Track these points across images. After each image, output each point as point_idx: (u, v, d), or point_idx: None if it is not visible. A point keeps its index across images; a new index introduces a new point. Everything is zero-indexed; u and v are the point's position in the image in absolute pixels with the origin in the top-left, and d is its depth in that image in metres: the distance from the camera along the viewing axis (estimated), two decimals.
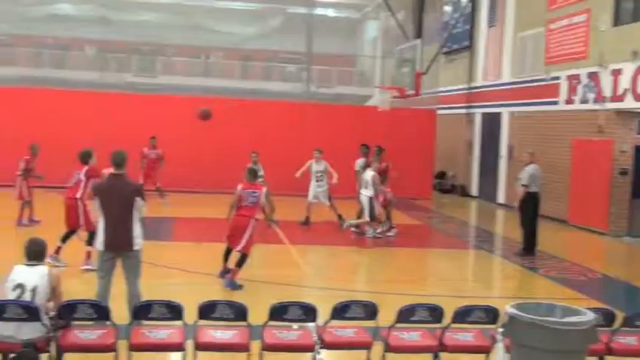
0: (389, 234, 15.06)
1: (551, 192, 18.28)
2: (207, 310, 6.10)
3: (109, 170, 10.56)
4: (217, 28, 30.51)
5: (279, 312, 6.16)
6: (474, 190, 24.80)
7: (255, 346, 6.14)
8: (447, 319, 6.36)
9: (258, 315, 6.22)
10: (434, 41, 24.75)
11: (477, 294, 10.59)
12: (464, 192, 25.14)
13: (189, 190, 20.62)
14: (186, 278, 10.60)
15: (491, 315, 6.38)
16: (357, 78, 35.81)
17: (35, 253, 6.26)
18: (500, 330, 5.49)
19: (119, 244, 7.40)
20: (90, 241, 10.77)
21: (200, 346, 6.07)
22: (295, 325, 6.63)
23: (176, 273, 10.90)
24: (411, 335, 6.43)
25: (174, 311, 6.07)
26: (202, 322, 6.14)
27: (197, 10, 30.78)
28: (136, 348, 6.02)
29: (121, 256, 7.46)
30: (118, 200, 7.40)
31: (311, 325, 6.38)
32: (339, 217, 15.90)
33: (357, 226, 14.74)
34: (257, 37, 31.81)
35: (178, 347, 6.07)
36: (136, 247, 7.46)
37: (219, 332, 6.24)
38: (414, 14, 20.87)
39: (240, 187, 10.16)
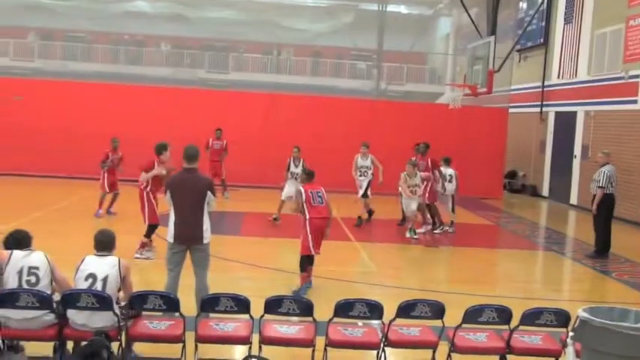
0: (447, 229, 15.33)
1: (626, 193, 17.74)
2: (273, 305, 6.14)
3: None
4: (288, 25, 30.65)
5: (344, 309, 6.15)
6: (545, 190, 24.27)
7: (320, 342, 6.16)
8: (514, 320, 6.24)
9: (323, 311, 6.23)
10: (507, 38, 24.31)
11: (546, 296, 10.36)
12: (534, 192, 24.64)
13: (260, 186, 20.82)
14: (252, 272, 10.71)
15: (561, 318, 6.23)
16: (428, 75, 35.48)
17: (105, 244, 6.42)
18: (571, 334, 5.34)
19: (189, 237, 7.52)
20: (148, 233, 11.12)
21: (265, 340, 6.12)
22: (360, 322, 6.62)
23: (243, 267, 11.03)
24: (478, 336, 6.34)
25: (241, 305, 6.14)
26: (268, 316, 6.19)
27: (269, 6, 30.97)
28: (203, 339, 6.12)
29: (190, 249, 7.59)
30: (189, 194, 7.52)
31: (376, 322, 6.35)
32: (359, 217, 15.81)
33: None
34: (328, 33, 31.80)
35: (245, 340, 6.14)
36: (205, 241, 7.57)
37: (285, 327, 6.28)
38: (488, 11, 20.51)
39: (302, 189, 9.74)
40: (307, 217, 9.53)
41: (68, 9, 30.11)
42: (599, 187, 13.01)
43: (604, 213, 13.18)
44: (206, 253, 7.69)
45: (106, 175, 15.07)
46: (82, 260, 6.31)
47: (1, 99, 21.82)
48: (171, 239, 7.59)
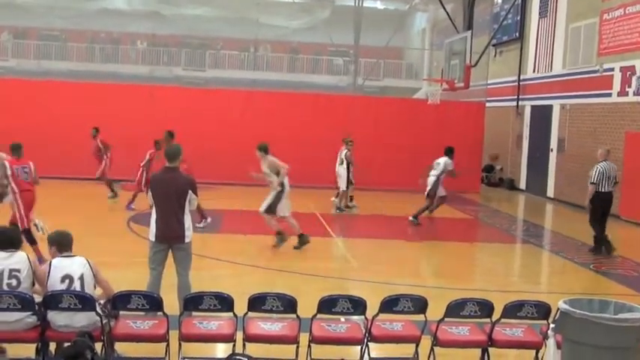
0: None
1: None
2: (256, 303, 6.14)
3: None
4: (265, 21, 30.60)
5: (328, 305, 6.17)
6: (522, 183, 24.49)
7: (304, 338, 6.18)
8: (496, 313, 6.31)
9: (306, 308, 6.24)
10: (483, 33, 24.46)
11: (527, 289, 10.46)
12: (512, 185, 24.85)
13: (237, 183, 20.77)
14: (234, 270, 10.70)
15: (542, 310, 6.30)
16: (405, 70, 35.62)
17: (67, 244, 6.35)
18: (552, 326, 5.41)
19: (171, 236, 7.51)
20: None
21: (249, 338, 6.12)
22: (343, 318, 6.65)
23: (224, 264, 11.02)
24: (460, 330, 6.39)
25: (224, 303, 6.13)
26: (252, 314, 6.20)
27: (245, 3, 30.90)
28: (186, 338, 6.11)
29: (172, 248, 7.58)
30: (170, 193, 7.49)
31: (359, 318, 6.38)
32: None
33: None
34: (305, 30, 31.81)
35: (229, 339, 6.13)
36: (187, 240, 7.57)
37: (269, 324, 6.29)
38: (464, 5, 20.62)
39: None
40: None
41: (42, 7, 29.81)
42: (590, 182, 13.03)
43: (597, 210, 13.11)
44: (188, 252, 7.68)
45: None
46: (50, 264, 6.21)
47: None
48: (152, 238, 7.57)
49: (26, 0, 30.11)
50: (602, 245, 13.34)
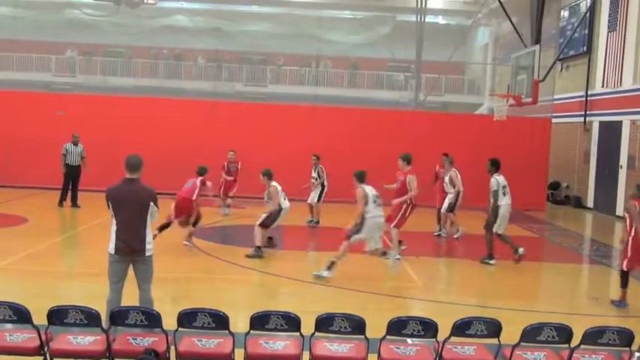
0: None
1: None
2: (324, 323, 5.95)
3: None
4: (326, 37, 30.61)
5: (397, 326, 5.95)
6: (590, 201, 23.76)
7: None
8: (575, 339, 5.98)
9: (370, 328, 6.01)
10: (548, 47, 23.93)
11: (600, 312, 10.03)
12: (579, 203, 24.14)
13: (298, 199, 20.69)
14: (295, 287, 10.55)
15: (624, 337, 5.95)
16: (467, 86, 35.16)
17: None
18: (638, 354, 5.09)
19: (131, 249, 7.25)
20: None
21: (316, 359, 5.95)
22: (410, 340, 6.42)
23: (287, 282, 10.88)
24: (537, 355, 6.07)
25: (291, 323, 5.94)
26: (319, 334, 6.01)
27: (306, 19, 31.03)
28: (252, 358, 5.95)
29: (132, 262, 7.34)
30: (132, 205, 7.25)
31: (428, 340, 6.14)
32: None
33: None
34: (365, 45, 31.71)
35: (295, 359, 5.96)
36: (147, 253, 7.32)
37: (336, 345, 6.10)
38: (532, 19, 20.15)
39: None
40: None
41: (108, 24, 30.50)
42: None
43: None
44: (148, 266, 7.42)
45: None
46: None
47: (43, 114, 22.11)
48: (112, 250, 7.29)
49: (93, 18, 30.88)
50: None
